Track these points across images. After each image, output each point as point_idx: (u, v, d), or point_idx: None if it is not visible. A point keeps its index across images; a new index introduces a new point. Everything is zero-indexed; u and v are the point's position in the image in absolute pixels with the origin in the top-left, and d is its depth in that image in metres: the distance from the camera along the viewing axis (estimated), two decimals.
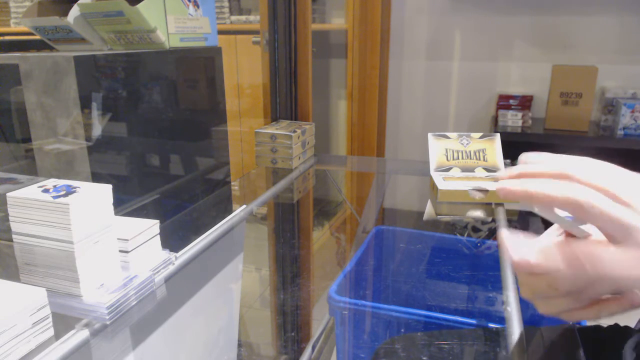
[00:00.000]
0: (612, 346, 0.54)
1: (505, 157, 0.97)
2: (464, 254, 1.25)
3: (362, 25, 2.26)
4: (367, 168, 1.71)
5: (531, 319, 0.69)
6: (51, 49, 0.98)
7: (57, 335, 0.52)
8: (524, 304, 0.52)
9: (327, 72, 2.66)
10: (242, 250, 0.89)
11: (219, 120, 1.12)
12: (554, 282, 0.33)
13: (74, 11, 0.88)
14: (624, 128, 2.04)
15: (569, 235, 0.37)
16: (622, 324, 0.57)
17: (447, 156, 0.98)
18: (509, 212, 0.91)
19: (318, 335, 0.68)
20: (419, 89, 2.50)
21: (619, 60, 2.16)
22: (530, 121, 2.23)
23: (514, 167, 0.36)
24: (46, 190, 0.55)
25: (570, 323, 0.55)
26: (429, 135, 1.01)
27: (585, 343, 0.56)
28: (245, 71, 2.32)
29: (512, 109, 2.25)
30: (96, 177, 0.78)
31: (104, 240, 0.58)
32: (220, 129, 1.12)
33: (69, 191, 0.55)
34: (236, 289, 0.85)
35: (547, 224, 0.53)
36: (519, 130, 2.18)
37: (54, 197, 0.54)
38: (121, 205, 0.84)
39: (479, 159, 0.97)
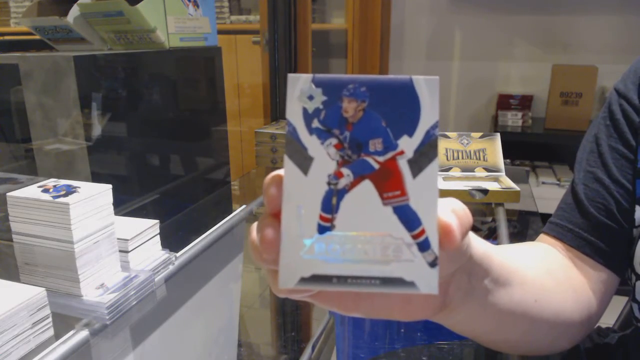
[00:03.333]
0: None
1: (505, 156, 0.97)
2: None
3: (362, 25, 2.26)
4: None
5: None
6: (51, 49, 0.98)
7: (57, 335, 0.52)
8: None
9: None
10: (242, 250, 0.89)
11: (219, 120, 1.12)
12: None
13: (74, 11, 0.88)
14: None
15: None
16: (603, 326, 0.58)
17: (447, 156, 0.98)
18: (509, 212, 0.91)
19: (318, 335, 0.68)
20: None
21: (619, 60, 2.16)
22: (530, 121, 2.23)
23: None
24: (46, 190, 0.55)
25: None
26: None
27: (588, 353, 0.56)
28: (245, 71, 2.32)
29: (512, 109, 2.25)
30: (96, 177, 0.78)
31: (104, 240, 0.58)
32: (220, 129, 1.12)
33: (69, 191, 0.55)
34: (236, 289, 0.85)
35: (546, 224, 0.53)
36: (519, 130, 2.18)
37: (54, 197, 0.54)
38: (121, 205, 0.83)
39: (479, 159, 0.97)
